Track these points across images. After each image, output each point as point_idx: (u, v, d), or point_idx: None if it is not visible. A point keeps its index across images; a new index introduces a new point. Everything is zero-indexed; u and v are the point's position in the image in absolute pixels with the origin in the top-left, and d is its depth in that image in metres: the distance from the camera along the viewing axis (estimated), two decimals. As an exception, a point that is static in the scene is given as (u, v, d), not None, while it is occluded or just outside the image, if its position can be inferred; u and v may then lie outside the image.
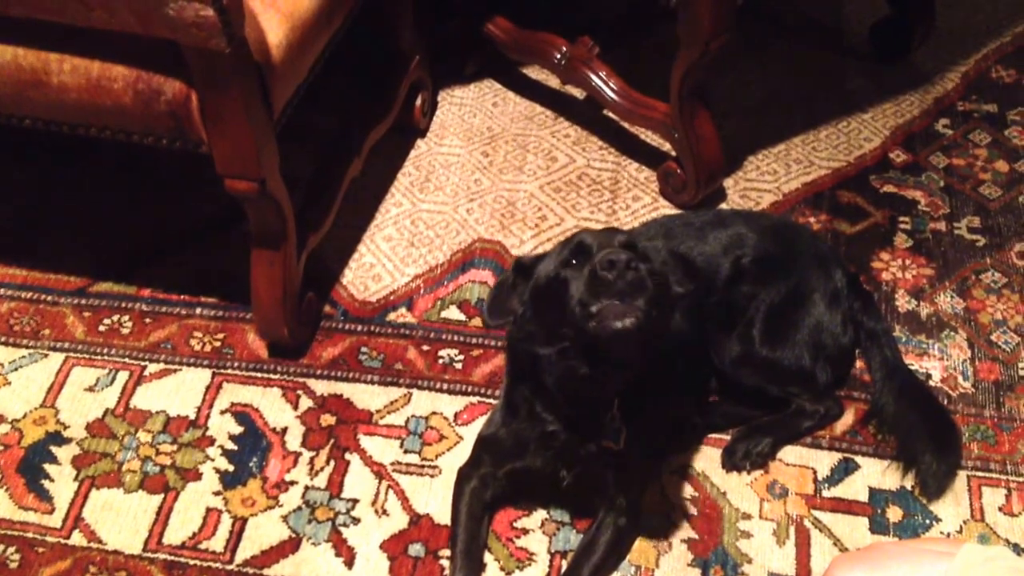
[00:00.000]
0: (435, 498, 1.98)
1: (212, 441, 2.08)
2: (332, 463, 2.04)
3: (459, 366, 2.20)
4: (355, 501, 1.98)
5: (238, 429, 2.10)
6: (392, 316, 2.31)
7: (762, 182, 2.61)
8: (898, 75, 2.90)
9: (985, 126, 2.76)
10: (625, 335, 1.58)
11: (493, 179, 2.64)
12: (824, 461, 2.02)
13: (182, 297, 2.35)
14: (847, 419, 2.08)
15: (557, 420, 1.79)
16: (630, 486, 1.88)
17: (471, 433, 2.03)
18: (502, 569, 1.88)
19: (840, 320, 2.06)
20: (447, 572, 1.87)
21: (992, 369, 2.17)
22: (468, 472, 1.93)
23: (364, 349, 2.24)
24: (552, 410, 1.78)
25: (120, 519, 1.97)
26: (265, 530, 1.95)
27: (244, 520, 1.96)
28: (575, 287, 1.61)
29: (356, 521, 1.95)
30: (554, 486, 1.88)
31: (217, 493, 2.00)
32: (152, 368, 2.21)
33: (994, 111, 2.80)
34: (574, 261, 1.65)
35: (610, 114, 2.69)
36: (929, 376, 2.15)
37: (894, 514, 1.93)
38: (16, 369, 2.22)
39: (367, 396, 2.15)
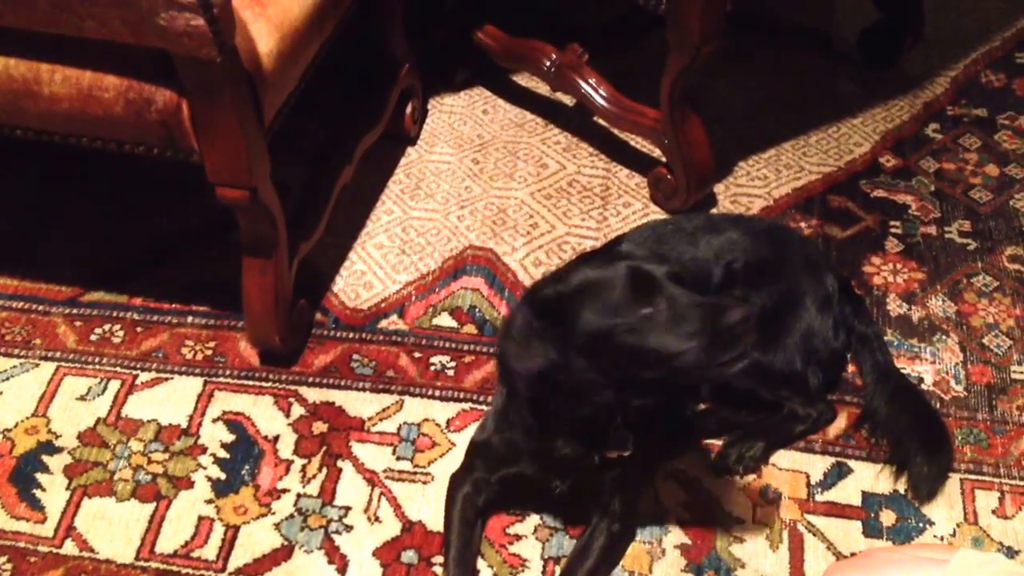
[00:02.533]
0: (428, 505, 1.98)
1: (204, 449, 2.08)
2: (324, 470, 2.04)
3: (451, 373, 2.20)
4: (347, 508, 1.98)
5: (230, 437, 2.10)
6: (384, 323, 2.31)
7: (753, 187, 2.61)
8: (888, 80, 2.91)
9: (975, 130, 2.77)
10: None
11: (484, 186, 2.64)
12: (817, 465, 2.02)
13: (173, 306, 2.35)
14: (840, 423, 2.08)
15: (559, 437, 1.76)
16: (626, 492, 1.87)
17: (463, 440, 2.03)
18: (495, 575, 1.88)
19: (831, 324, 2.06)
20: (440, 579, 1.87)
21: (984, 372, 2.17)
22: (461, 477, 1.92)
23: (356, 356, 2.24)
24: (554, 429, 1.75)
25: (112, 528, 1.96)
26: (257, 538, 1.94)
27: (236, 528, 1.96)
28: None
29: (349, 528, 1.95)
30: (547, 492, 1.88)
31: (209, 501, 2.00)
32: (144, 377, 2.21)
33: (984, 115, 2.81)
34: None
35: (600, 120, 2.69)
36: (921, 380, 2.15)
37: (887, 518, 1.94)
38: (7, 379, 2.21)
39: (359, 403, 2.15)
